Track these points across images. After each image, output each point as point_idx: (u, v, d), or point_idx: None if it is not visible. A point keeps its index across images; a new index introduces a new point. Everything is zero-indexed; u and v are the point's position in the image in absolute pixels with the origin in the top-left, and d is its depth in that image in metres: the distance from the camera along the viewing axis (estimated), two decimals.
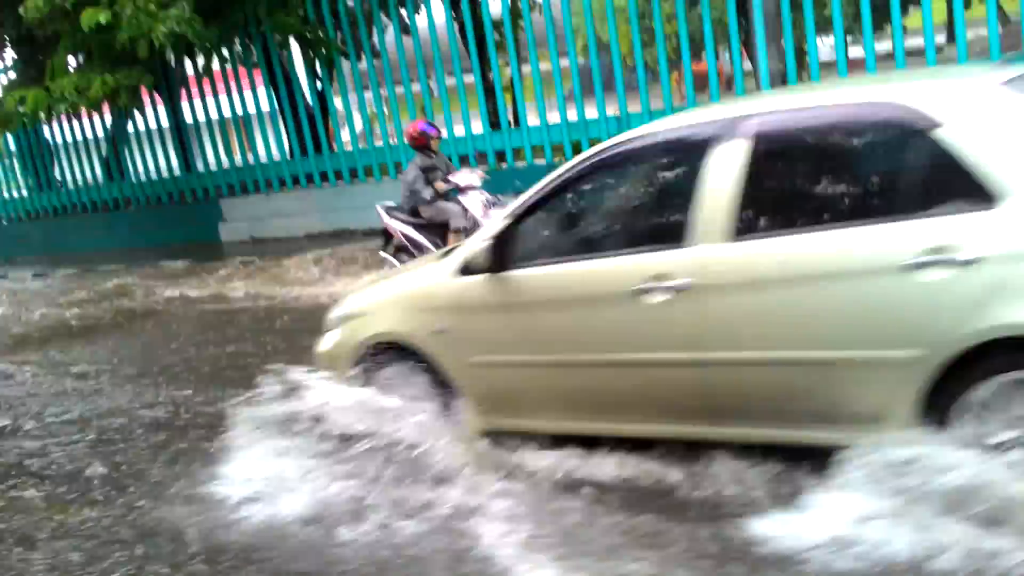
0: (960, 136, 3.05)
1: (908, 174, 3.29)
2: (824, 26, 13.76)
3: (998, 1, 9.63)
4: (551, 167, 11.55)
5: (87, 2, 9.62)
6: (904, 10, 10.26)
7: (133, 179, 15.78)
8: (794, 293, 3.32)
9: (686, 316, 3.55)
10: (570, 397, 4.09)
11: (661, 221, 3.84)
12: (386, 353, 4.48)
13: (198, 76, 13.76)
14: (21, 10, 10.23)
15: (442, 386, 4.37)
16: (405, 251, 8.76)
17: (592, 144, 11.29)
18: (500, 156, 12.19)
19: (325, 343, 4.91)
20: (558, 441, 4.13)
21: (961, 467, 2.93)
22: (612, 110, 11.34)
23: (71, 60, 11.47)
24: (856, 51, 17.70)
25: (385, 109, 13.66)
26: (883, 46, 14.34)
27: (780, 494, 3.42)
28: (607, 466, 3.96)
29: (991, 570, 2.72)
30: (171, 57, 12.44)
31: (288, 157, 13.91)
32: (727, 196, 3.46)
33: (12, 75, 14.12)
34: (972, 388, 3.04)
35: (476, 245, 4.18)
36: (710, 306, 3.51)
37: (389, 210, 8.94)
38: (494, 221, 4.29)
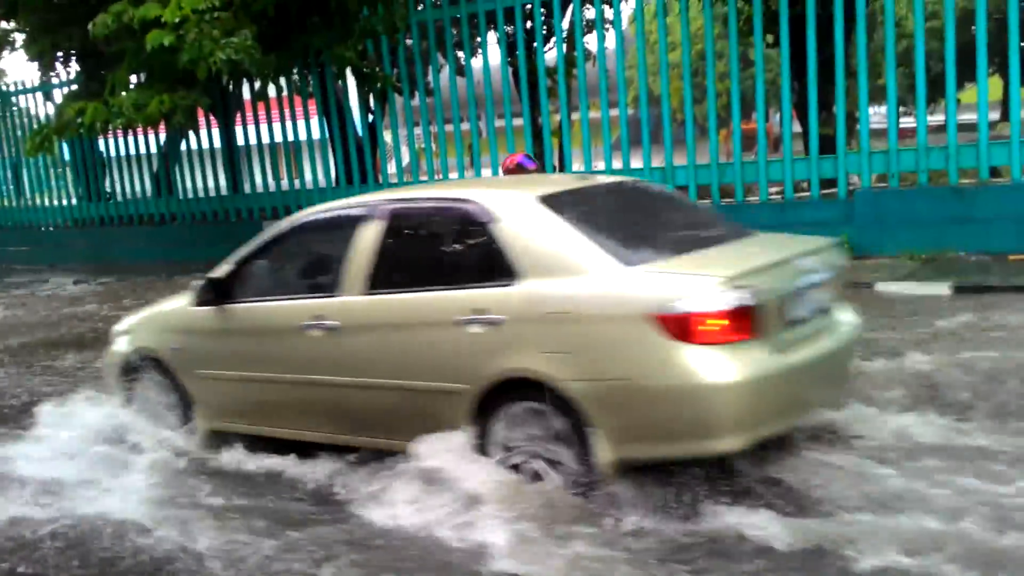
0: (504, 231, 4.31)
1: (471, 253, 4.53)
2: (877, 96, 13.76)
3: None
4: None
5: (153, 23, 9.87)
6: (960, 85, 10.18)
7: (181, 195, 16.06)
8: (396, 336, 4.56)
9: (334, 349, 4.75)
10: (263, 406, 5.23)
11: (325, 275, 4.97)
12: (145, 363, 5.61)
13: (254, 101, 14.03)
14: (90, 26, 10.53)
15: (179, 392, 5.49)
16: None
17: None
18: None
19: (106, 355, 6.10)
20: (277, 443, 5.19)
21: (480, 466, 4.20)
22: (658, 162, 11.37)
23: (132, 78, 11.74)
24: (908, 121, 17.61)
25: (433, 145, 13.84)
26: (936, 119, 14.30)
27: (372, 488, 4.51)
28: (270, 460, 5.07)
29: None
30: (229, 81, 12.69)
31: (334, 185, 14.10)
32: (365, 260, 4.70)
33: (75, 87, 14.48)
34: (499, 411, 4.24)
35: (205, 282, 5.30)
36: (348, 342, 4.72)
37: None
38: (221, 265, 5.42)
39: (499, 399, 4.23)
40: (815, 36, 9.96)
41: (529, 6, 12.32)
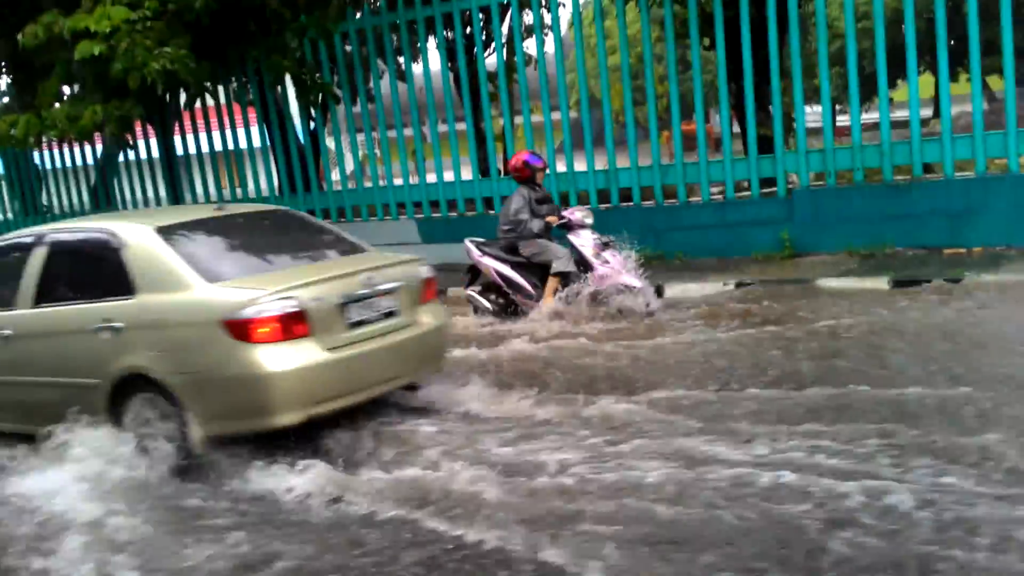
0: (128, 255, 5.38)
1: (106, 273, 5.48)
2: (813, 95, 13.99)
3: (983, 78, 9.84)
4: None
5: (84, 34, 9.66)
6: (892, 84, 10.41)
7: (119, 207, 15.75)
8: (52, 341, 5.65)
9: (9, 353, 5.84)
10: None
11: (8, 291, 5.92)
12: None
13: (191, 111, 13.81)
14: (19, 36, 10.27)
15: None
16: (497, 291, 8.38)
17: (580, 196, 11.47)
18: (488, 202, 12.26)
19: None
20: None
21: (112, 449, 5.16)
22: (601, 164, 11.44)
23: (66, 88, 11.48)
24: (844, 119, 17.92)
25: (377, 151, 13.75)
26: (870, 117, 14.57)
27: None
28: None
29: None
30: (165, 91, 12.47)
31: (277, 193, 13.95)
32: (32, 279, 5.79)
33: (6, 100, 14.12)
34: (127, 400, 5.30)
35: None
36: (20, 347, 5.82)
37: (480, 246, 8.49)
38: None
39: (126, 390, 5.30)
40: (750, 38, 10.11)
41: (468, 12, 12.31)
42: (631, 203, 11.21)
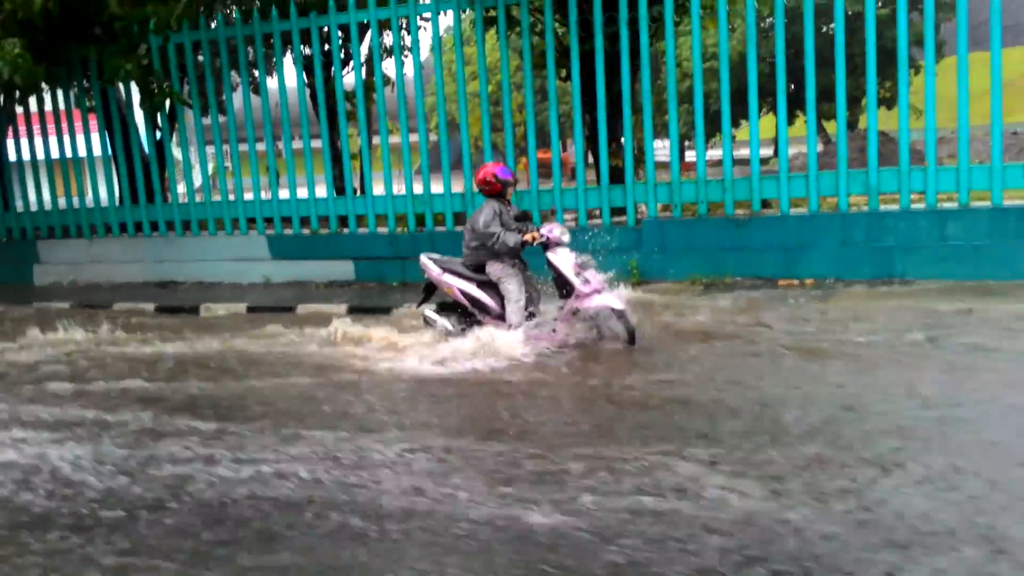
0: None
1: None
2: (662, 130, 14.56)
3: (818, 121, 10.47)
4: (393, 236, 11.58)
5: None
6: (736, 123, 10.92)
7: None
8: None
9: None
10: None
11: None
12: None
13: (27, 114, 13.04)
14: None
15: None
16: (456, 311, 7.85)
17: (436, 217, 11.45)
18: (343, 221, 12.08)
19: None
20: None
21: None
22: (458, 188, 11.48)
23: None
24: (692, 155, 18.64)
25: (227, 164, 13.34)
26: (716, 153, 15.23)
27: None
28: None
29: None
30: None
31: (118, 203, 13.30)
32: None
33: None
34: None
35: None
36: None
37: (439, 263, 7.92)
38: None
39: None
40: (604, 72, 10.42)
41: (327, 29, 12.15)
42: None
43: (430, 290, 8.01)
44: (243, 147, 12.74)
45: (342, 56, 12.18)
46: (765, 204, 10.36)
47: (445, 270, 7.78)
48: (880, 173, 9.55)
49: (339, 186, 12.95)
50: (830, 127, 21.72)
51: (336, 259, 11.94)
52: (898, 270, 9.36)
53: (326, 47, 12.35)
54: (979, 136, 14.60)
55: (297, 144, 12.47)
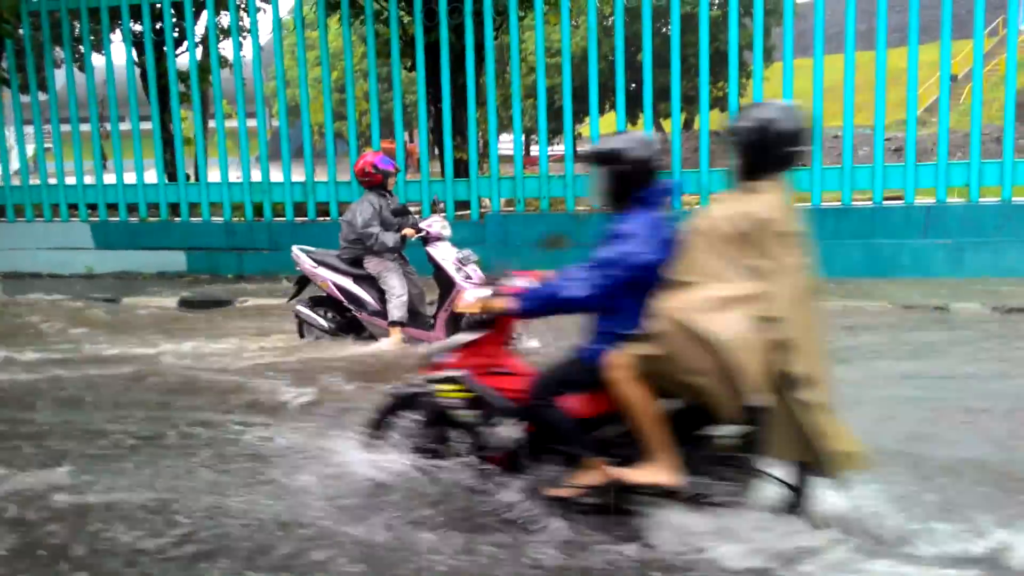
0: None
1: None
2: (508, 124, 14.67)
3: (657, 120, 10.80)
4: (230, 225, 11.15)
5: None
6: (579, 119, 11.11)
7: None
8: None
9: None
10: None
11: None
12: None
13: None
14: None
15: None
16: (330, 305, 7.38)
17: (276, 207, 11.11)
18: (174, 209, 11.54)
19: None
20: None
21: None
22: (299, 176, 11.18)
23: None
24: (535, 150, 18.88)
25: (48, 145, 12.48)
26: (559, 149, 15.48)
27: None
28: None
29: None
30: None
31: None
32: None
33: None
34: None
35: None
36: None
37: (313, 255, 7.41)
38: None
39: None
40: (449, 64, 10.37)
41: (159, 6, 11.53)
42: (329, 218, 11.04)
43: (303, 284, 7.59)
44: (66, 127, 11.94)
45: (176, 35, 11.60)
46: None
47: (319, 263, 7.35)
48: (711, 173, 9.94)
49: (171, 172, 12.35)
50: (668, 126, 22.48)
51: (166, 249, 11.39)
52: None
53: (158, 25, 11.73)
54: None
55: (125, 126, 11.79)
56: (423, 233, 7.15)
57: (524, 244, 10.24)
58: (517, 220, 10.45)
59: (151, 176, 11.76)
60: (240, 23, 11.53)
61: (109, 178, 11.82)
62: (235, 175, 11.71)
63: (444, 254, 7.12)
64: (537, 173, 10.61)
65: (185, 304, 9.54)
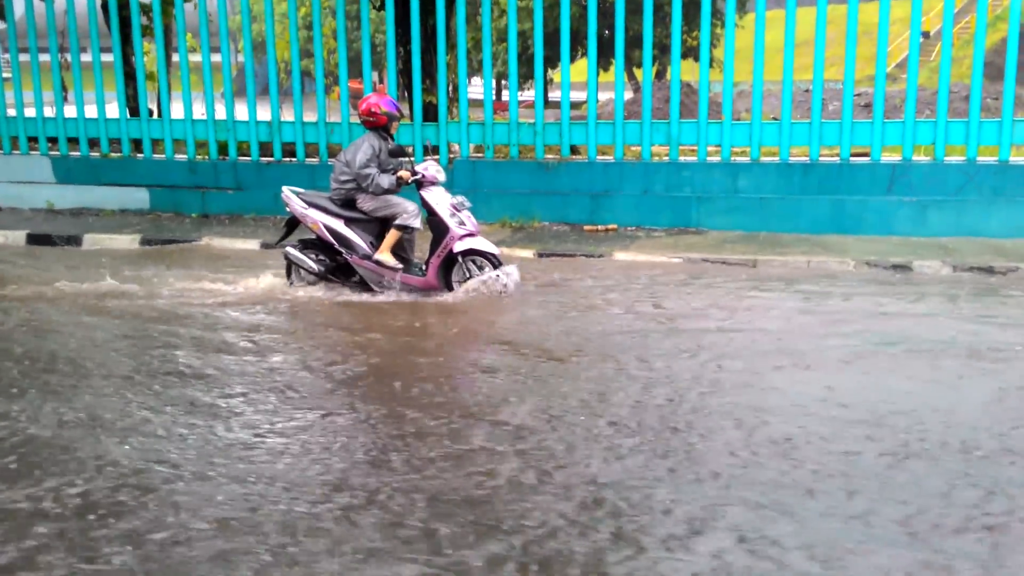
0: None
1: None
2: (478, 69, 14.47)
3: (629, 69, 10.70)
4: (193, 164, 10.97)
5: None
6: (552, 66, 10.99)
7: None
8: None
9: None
10: None
11: None
12: None
13: None
14: None
15: None
16: (323, 249, 7.29)
17: (241, 146, 10.92)
18: (136, 146, 11.31)
19: None
20: None
21: None
22: (264, 115, 10.99)
23: None
24: (505, 95, 18.71)
25: (6, 75, 12.13)
26: (530, 95, 15.33)
27: None
28: None
29: None
30: None
31: None
32: None
33: None
34: None
35: None
36: None
37: (303, 196, 7.29)
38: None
39: None
40: (419, 5, 10.18)
41: None
42: (295, 159, 10.90)
43: (292, 226, 7.47)
44: (24, 58, 11.59)
45: None
46: (574, 150, 10.55)
47: (309, 204, 7.26)
48: (681, 125, 9.92)
49: (133, 107, 12.05)
50: (640, 75, 22.31)
51: (129, 186, 11.19)
52: (694, 220, 9.82)
53: None
54: (774, 91, 15.46)
55: (86, 58, 11.48)
56: (418, 176, 7.11)
57: (493, 191, 10.19)
58: (486, 167, 10.37)
59: (113, 110, 11.49)
60: None
61: (70, 111, 11.54)
62: (199, 112, 11.49)
63: (438, 199, 7.09)
64: (507, 119, 10.52)
65: (147, 243, 9.40)
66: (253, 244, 9.41)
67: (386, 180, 7.04)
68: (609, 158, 10.18)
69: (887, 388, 5.01)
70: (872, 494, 3.72)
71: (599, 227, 9.92)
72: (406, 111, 10.79)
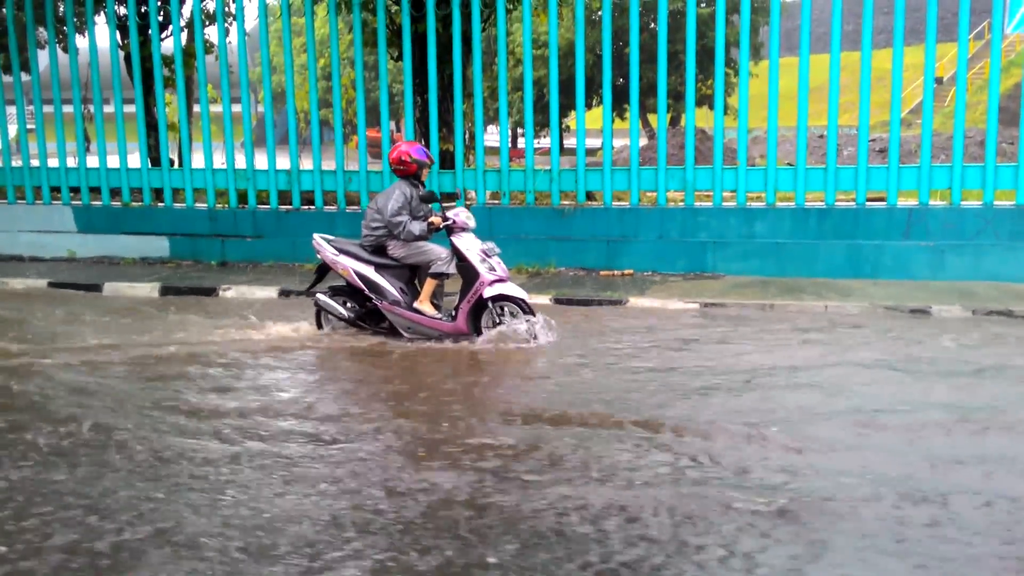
0: None
1: None
2: (495, 117, 14.64)
3: (644, 116, 10.80)
4: (213, 212, 11.09)
5: None
6: (566, 113, 11.11)
7: None
8: None
9: None
10: None
11: None
12: None
13: None
14: None
15: None
16: (350, 294, 7.33)
17: (260, 195, 11.04)
18: (157, 195, 11.47)
19: None
20: None
21: None
22: (284, 164, 11.13)
23: None
24: (521, 142, 18.84)
25: (30, 126, 12.36)
26: (546, 142, 15.47)
27: None
28: None
29: None
30: None
31: None
32: None
33: None
34: None
35: None
36: None
37: (334, 243, 7.35)
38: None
39: None
40: (436, 55, 10.34)
41: None
42: (313, 207, 11.01)
43: (323, 272, 7.54)
44: (48, 109, 11.83)
45: (160, 19, 11.50)
46: (590, 196, 10.61)
47: (340, 251, 7.30)
48: (696, 171, 9.97)
49: (154, 156, 12.26)
50: (655, 121, 22.50)
51: (149, 234, 11.32)
52: (709, 264, 9.83)
53: (143, 8, 11.62)
54: (789, 137, 15.54)
55: (109, 109, 11.71)
56: (449, 222, 7.14)
57: (509, 237, 10.23)
58: (503, 213, 10.44)
59: (134, 160, 11.67)
60: (226, 8, 11.43)
61: (92, 161, 11.74)
62: (219, 161, 11.65)
63: (469, 244, 7.11)
64: (523, 166, 10.61)
65: (167, 292, 9.47)
66: (272, 292, 9.47)
67: (417, 227, 7.08)
68: (625, 204, 10.22)
69: None
70: None
71: (615, 272, 9.94)
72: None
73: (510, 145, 10.84)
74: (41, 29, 12.92)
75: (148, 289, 9.63)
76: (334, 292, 7.44)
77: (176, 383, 6.09)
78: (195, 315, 8.34)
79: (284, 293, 9.30)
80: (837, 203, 9.70)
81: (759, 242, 9.72)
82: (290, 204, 11.06)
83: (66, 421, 5.23)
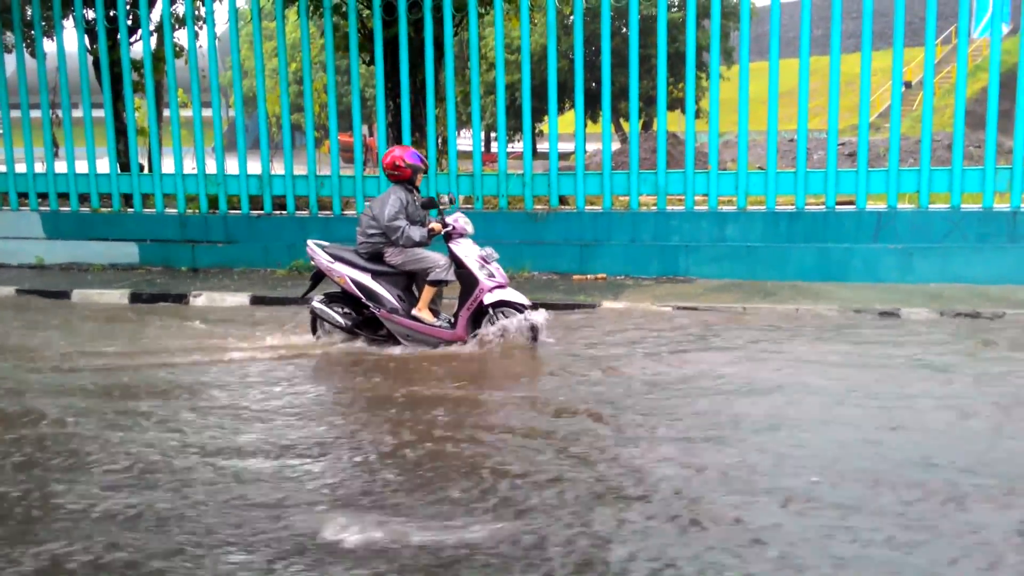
0: None
1: None
2: (468, 121, 14.64)
3: (616, 120, 10.84)
4: (183, 218, 10.99)
5: None
6: (539, 117, 11.13)
7: None
8: None
9: None
10: None
11: None
12: None
13: None
14: None
15: None
16: (346, 301, 7.21)
17: (231, 200, 10.96)
18: (127, 200, 11.35)
19: None
20: None
21: None
22: (255, 169, 11.05)
23: None
24: (494, 147, 18.85)
25: None
26: (518, 147, 15.48)
27: None
28: None
29: None
30: None
31: None
32: None
33: None
34: None
35: None
36: None
37: (328, 250, 7.23)
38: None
39: None
40: (408, 59, 10.32)
41: None
42: (285, 212, 10.94)
43: (317, 279, 7.41)
44: (16, 114, 11.68)
45: (129, 23, 11.38)
46: (563, 200, 10.63)
47: (336, 258, 7.19)
48: (668, 175, 10.02)
49: (123, 161, 12.13)
50: (627, 126, 22.58)
51: (119, 240, 11.21)
52: (682, 268, 9.88)
53: (112, 12, 11.51)
54: (759, 141, 15.66)
55: (77, 113, 11.58)
56: (448, 228, 7.06)
57: (482, 242, 10.20)
58: (475, 217, 10.35)
59: (103, 165, 11.55)
60: (196, 11, 11.35)
61: (60, 167, 11.59)
62: (190, 166, 11.56)
63: (467, 251, 7.04)
64: (496, 171, 10.61)
65: (136, 299, 9.37)
66: (243, 298, 9.39)
67: (417, 232, 6.96)
68: (597, 208, 10.25)
69: None
70: None
71: (588, 276, 9.96)
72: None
73: (483, 149, 10.83)
74: (8, 33, 12.74)
75: (118, 296, 9.52)
76: (330, 299, 7.32)
77: (140, 392, 6.03)
78: (163, 321, 8.26)
79: (256, 300, 9.22)
80: (807, 207, 9.78)
81: (731, 245, 9.79)
82: (262, 209, 10.99)
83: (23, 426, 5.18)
